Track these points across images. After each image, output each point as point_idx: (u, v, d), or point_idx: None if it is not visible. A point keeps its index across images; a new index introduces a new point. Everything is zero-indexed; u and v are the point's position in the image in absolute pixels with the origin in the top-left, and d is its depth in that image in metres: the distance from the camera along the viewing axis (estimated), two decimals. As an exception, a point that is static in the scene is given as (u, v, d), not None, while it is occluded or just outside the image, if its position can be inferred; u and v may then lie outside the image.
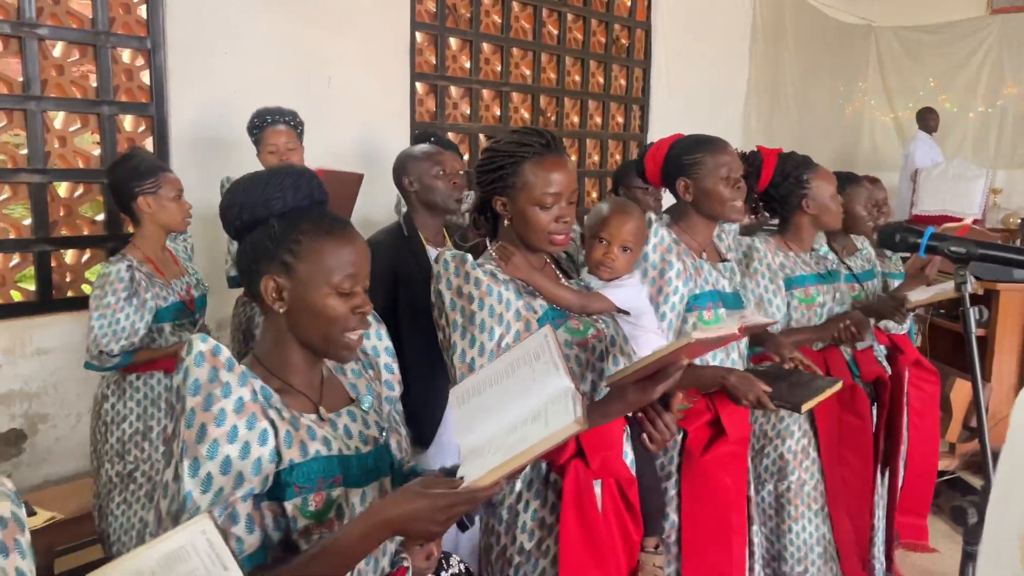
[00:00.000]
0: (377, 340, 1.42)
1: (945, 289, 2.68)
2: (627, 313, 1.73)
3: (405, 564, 1.32)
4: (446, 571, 1.62)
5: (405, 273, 2.44)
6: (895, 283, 2.97)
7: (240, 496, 1.09)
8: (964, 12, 8.04)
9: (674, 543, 1.98)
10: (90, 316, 2.39)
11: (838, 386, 2.05)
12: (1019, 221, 4.18)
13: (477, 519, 1.54)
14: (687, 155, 2.00)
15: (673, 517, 1.98)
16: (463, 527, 1.48)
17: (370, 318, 1.40)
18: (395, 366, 1.43)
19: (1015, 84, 7.84)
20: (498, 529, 1.63)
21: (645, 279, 1.89)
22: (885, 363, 2.91)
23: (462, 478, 1.09)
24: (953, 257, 1.36)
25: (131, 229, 3.28)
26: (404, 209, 2.68)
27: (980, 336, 3.94)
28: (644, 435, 1.65)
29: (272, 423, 1.14)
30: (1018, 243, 4.94)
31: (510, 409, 1.21)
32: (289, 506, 1.14)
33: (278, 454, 1.13)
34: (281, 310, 1.20)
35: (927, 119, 7.38)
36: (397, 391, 1.43)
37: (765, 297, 2.34)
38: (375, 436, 1.29)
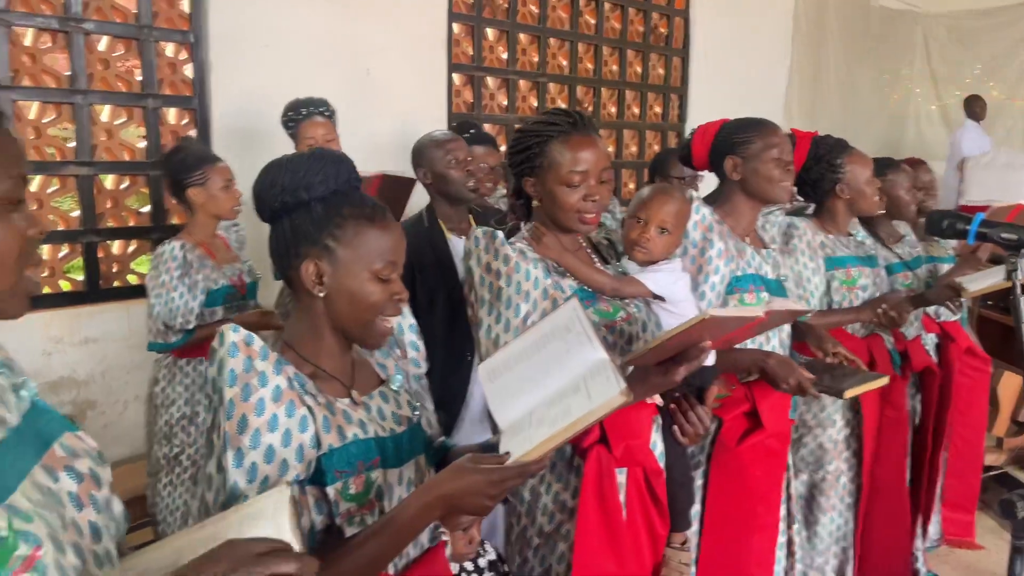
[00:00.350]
0: (402, 318, 1.42)
1: (978, 269, 2.60)
2: (662, 299, 1.70)
3: (444, 539, 1.33)
4: (483, 556, 1.62)
5: (421, 263, 2.42)
6: (945, 267, 2.90)
7: (286, 483, 1.10)
8: (1014, -4, 7.81)
9: (694, 533, 1.95)
10: (148, 297, 2.48)
11: (884, 380, 2.00)
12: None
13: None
14: (738, 134, 1.97)
15: (696, 507, 1.95)
16: (505, 500, 1.49)
17: None
18: (420, 343, 1.45)
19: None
20: (519, 510, 1.63)
21: (685, 257, 1.85)
22: (933, 353, 2.85)
23: (508, 453, 1.09)
24: (1004, 244, 1.33)
25: (177, 220, 3.38)
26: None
27: (1029, 328, 3.83)
28: (675, 427, 1.63)
29: (309, 409, 1.15)
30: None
31: (546, 382, 1.21)
32: (331, 491, 1.14)
33: (317, 439, 1.14)
34: (320, 294, 1.20)
35: (974, 107, 7.20)
36: (423, 367, 1.44)
37: (804, 275, 2.29)
38: (408, 416, 1.30)
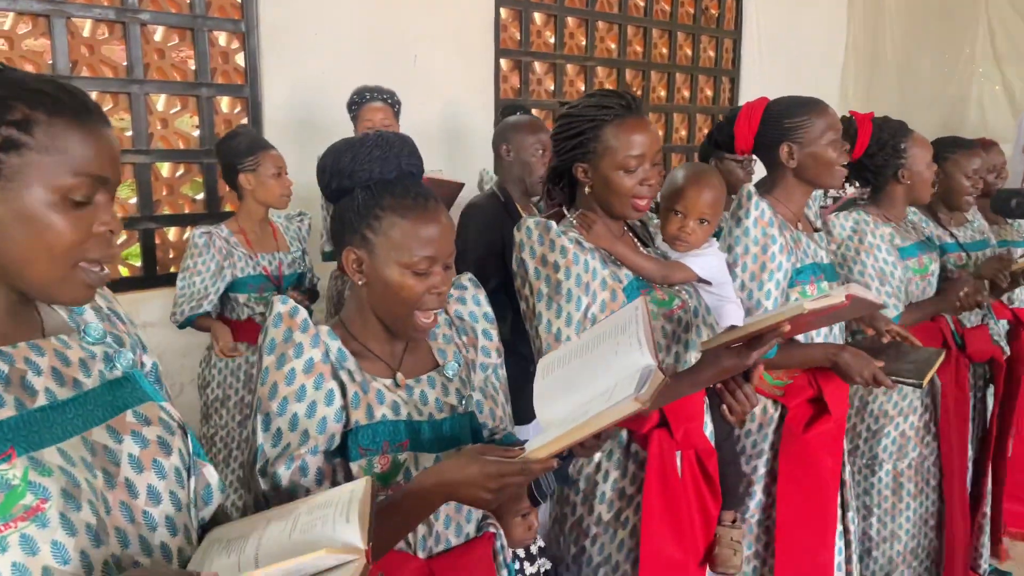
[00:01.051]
0: (475, 305, 1.41)
1: None
2: (708, 283, 1.68)
3: (492, 530, 1.32)
4: (534, 543, 1.62)
5: (503, 239, 2.39)
6: (1019, 252, 2.80)
7: (306, 452, 1.13)
8: (1086, -31, 7.46)
9: (757, 523, 1.92)
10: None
11: (944, 355, 1.96)
12: None
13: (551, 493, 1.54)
14: (790, 118, 1.88)
15: (760, 496, 1.92)
16: (536, 501, 1.48)
17: (467, 283, 1.42)
18: (494, 332, 1.41)
19: None
20: (574, 499, 1.61)
21: (747, 255, 1.81)
22: (1003, 342, 2.76)
23: (518, 448, 1.09)
24: (1076, 225, 1.27)
25: (231, 207, 3.44)
26: (488, 186, 2.64)
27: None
28: (724, 407, 1.61)
29: (342, 384, 1.17)
30: None
31: (589, 383, 1.19)
32: (355, 467, 1.17)
33: (346, 415, 1.17)
34: (360, 283, 1.22)
35: None
36: (494, 358, 1.40)
37: (886, 271, 2.22)
38: (453, 403, 1.29)
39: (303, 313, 1.19)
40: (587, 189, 1.58)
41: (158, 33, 3.25)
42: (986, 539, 2.90)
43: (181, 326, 2.62)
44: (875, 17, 6.82)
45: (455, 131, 3.98)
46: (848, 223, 2.26)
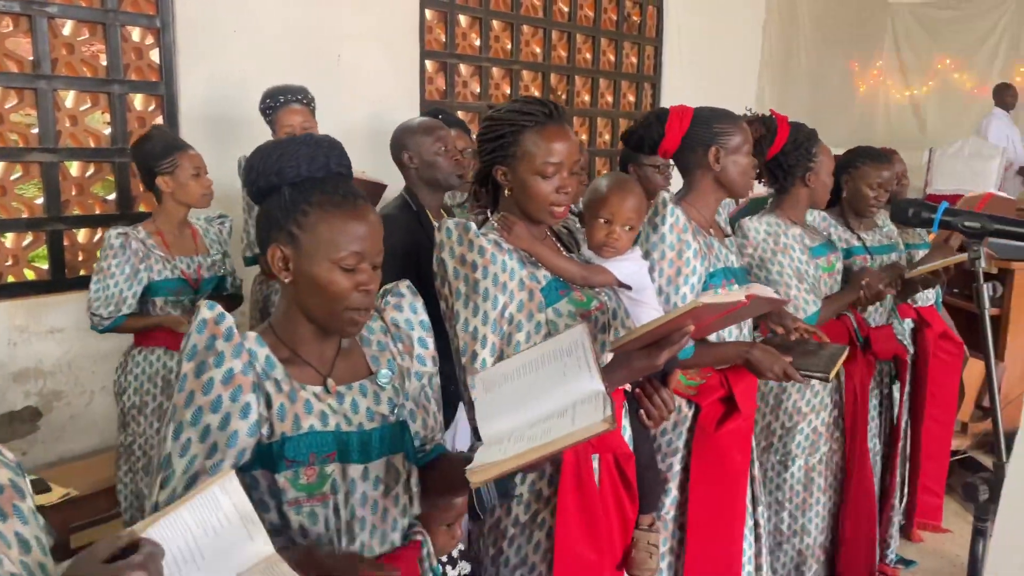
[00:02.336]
0: (412, 313, 1.40)
1: (950, 257, 2.64)
2: (628, 287, 1.71)
3: (419, 538, 1.32)
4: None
5: (424, 250, 2.39)
6: (920, 254, 2.95)
7: (209, 466, 1.11)
8: (981, -12, 7.92)
9: (672, 520, 1.96)
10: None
11: (847, 350, 2.05)
12: (1034, 199, 4.15)
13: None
14: (719, 124, 1.95)
15: (675, 493, 1.96)
16: (476, 515, 1.48)
17: (405, 290, 1.41)
18: (429, 340, 1.41)
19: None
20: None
21: (663, 260, 1.86)
22: (907, 340, 2.90)
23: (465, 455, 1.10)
24: (967, 232, 1.35)
25: (144, 208, 3.33)
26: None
27: (994, 315, 3.90)
28: (642, 411, 1.64)
29: (267, 396, 1.15)
30: (1034, 222, 4.88)
31: (536, 403, 1.21)
32: (280, 478, 1.15)
33: (271, 427, 1.15)
34: (287, 280, 1.21)
35: (1004, 95, 7.07)
36: (429, 367, 1.40)
37: (803, 269, 2.31)
38: (384, 413, 1.28)
39: (229, 320, 1.15)
40: (506, 192, 1.60)
41: (67, 27, 3.12)
42: (895, 530, 3.05)
43: (103, 331, 2.51)
44: (789, 28, 7.08)
45: (380, 132, 3.92)
46: (762, 227, 2.35)
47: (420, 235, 2.43)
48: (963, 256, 2.78)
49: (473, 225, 1.52)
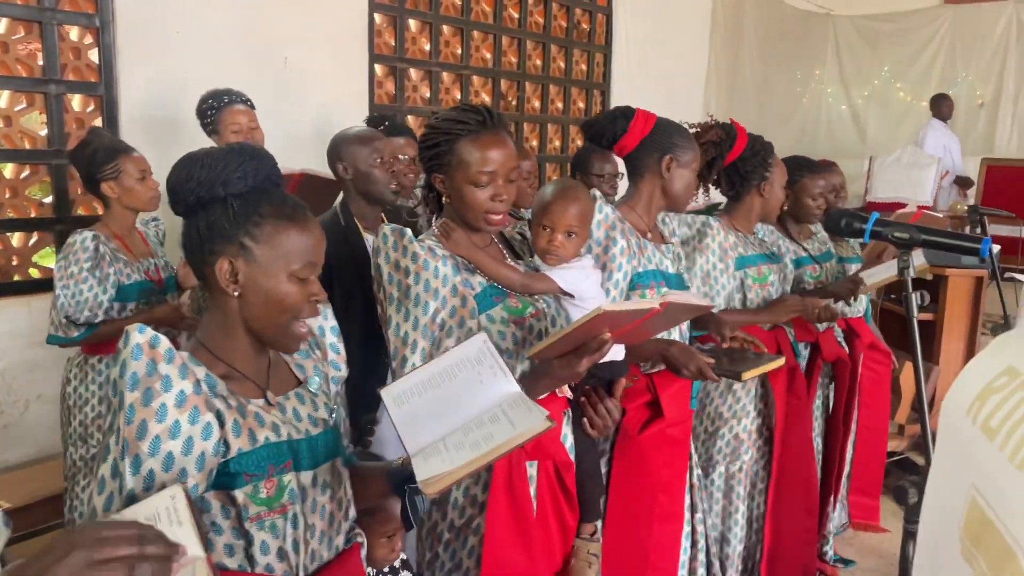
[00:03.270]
0: (323, 320, 1.40)
1: (894, 272, 2.73)
2: (571, 296, 1.72)
3: (360, 540, 1.32)
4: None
5: (338, 262, 2.34)
6: (852, 267, 3.03)
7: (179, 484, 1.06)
8: (919, 2, 8.17)
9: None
10: (55, 286, 2.37)
11: (781, 361, 2.08)
12: (965, 208, 4.30)
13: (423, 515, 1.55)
14: (678, 136, 2.01)
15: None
16: (410, 524, 1.48)
17: None
18: (341, 346, 1.42)
19: (966, 74, 8.01)
20: (430, 505, 1.63)
21: (590, 254, 1.86)
22: (845, 345, 2.97)
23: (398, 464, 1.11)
24: (897, 242, 1.39)
25: (83, 211, 3.24)
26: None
27: (929, 320, 4.03)
28: (585, 420, 1.66)
29: (218, 413, 1.12)
30: (967, 229, 5.07)
31: (460, 410, 1.24)
32: (239, 494, 1.12)
33: (226, 444, 1.11)
34: (235, 294, 1.17)
35: (940, 106, 7.20)
36: (343, 371, 1.42)
37: (712, 274, 2.34)
38: (324, 418, 1.28)
39: (165, 342, 1.10)
40: (445, 199, 1.62)
41: (1, 25, 3.03)
42: (831, 526, 3.12)
43: (73, 340, 2.41)
44: (735, 38, 7.22)
45: (328, 136, 3.90)
46: (696, 223, 2.40)
47: (340, 249, 2.38)
48: (924, 265, 2.91)
49: (409, 231, 1.53)
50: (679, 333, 2.07)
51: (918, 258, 2.90)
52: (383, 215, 2.56)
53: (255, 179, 1.18)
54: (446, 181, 1.59)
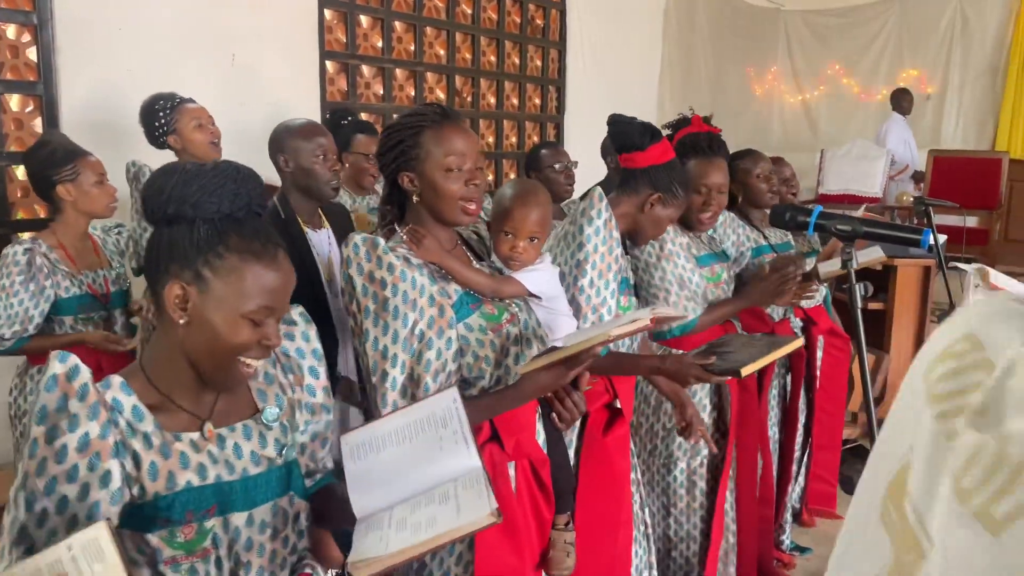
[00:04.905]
0: (303, 342, 1.33)
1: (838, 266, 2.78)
2: (539, 297, 1.72)
3: (308, 571, 1.26)
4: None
5: (293, 258, 2.30)
6: (810, 262, 3.07)
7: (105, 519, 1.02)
8: (867, -4, 8.35)
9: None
10: None
11: (795, 343, 2.08)
12: (911, 199, 4.40)
13: None
14: (679, 185, 2.02)
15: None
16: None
17: (298, 317, 1.34)
18: (321, 370, 1.34)
19: (913, 68, 8.19)
20: None
21: (596, 253, 1.86)
22: (801, 335, 3.01)
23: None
24: (840, 235, 1.41)
25: (23, 215, 3.14)
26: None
27: (879, 309, 4.11)
28: (553, 413, 1.66)
29: (134, 454, 1.06)
30: (913, 220, 5.19)
31: (413, 477, 1.20)
32: (154, 538, 1.07)
33: (141, 487, 1.06)
34: (181, 321, 1.10)
35: (901, 100, 7.31)
36: (321, 398, 1.33)
37: (685, 276, 2.34)
38: (270, 456, 1.21)
39: (84, 375, 1.04)
40: (415, 198, 1.57)
41: (-68, 22, 2.93)
42: (788, 516, 3.17)
43: (4, 352, 2.33)
44: (687, 34, 7.28)
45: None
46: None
47: (288, 246, 2.33)
48: (881, 257, 2.96)
49: (382, 241, 1.49)
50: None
51: (876, 252, 2.96)
52: (322, 212, 2.49)
53: (231, 205, 1.11)
54: (415, 178, 1.55)
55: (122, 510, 1.06)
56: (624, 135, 2.05)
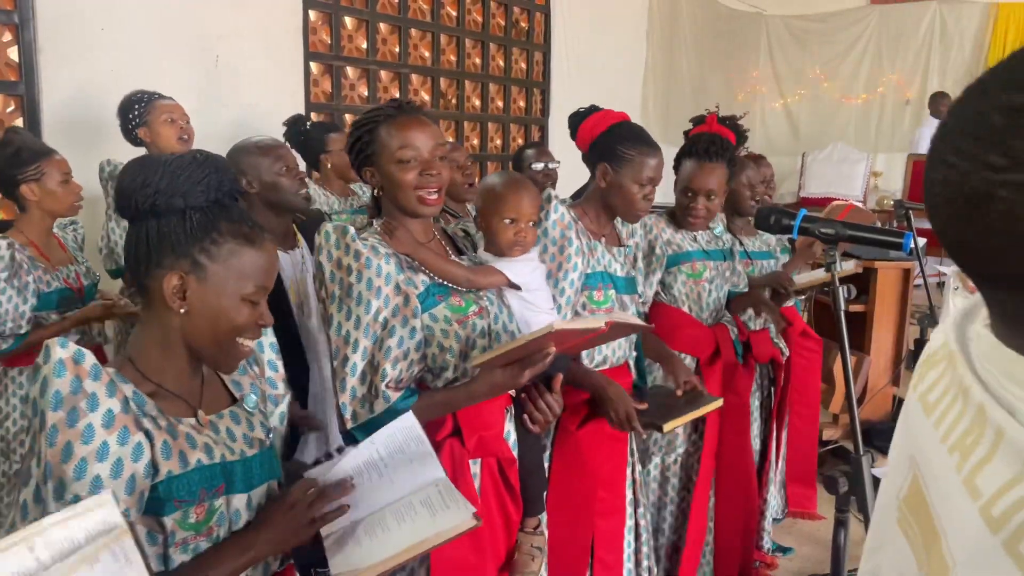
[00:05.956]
0: (263, 335, 1.36)
1: (822, 275, 2.81)
2: (518, 288, 1.73)
3: (291, 561, 1.29)
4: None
5: None
6: (784, 258, 3.10)
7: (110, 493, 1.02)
8: (847, 2, 8.43)
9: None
10: None
11: (716, 404, 2.10)
12: (892, 203, 4.46)
13: None
14: (622, 146, 1.98)
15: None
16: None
17: None
18: (279, 363, 1.40)
19: (892, 72, 8.28)
20: None
21: (545, 254, 1.88)
22: (781, 342, 3.03)
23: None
24: (823, 238, 1.43)
25: (2, 215, 3.11)
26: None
27: (860, 311, 4.15)
28: (525, 415, 1.67)
29: (147, 434, 1.07)
30: (894, 223, 5.25)
31: (383, 495, 1.25)
32: (168, 520, 1.08)
33: (155, 467, 1.07)
34: (181, 310, 1.12)
35: (939, 104, 7.22)
36: (281, 389, 1.40)
37: (653, 265, 2.37)
38: (260, 438, 1.24)
39: (91, 357, 1.03)
40: (377, 192, 1.61)
41: (-90, 20, 2.89)
42: (768, 520, 3.19)
43: (2, 353, 2.30)
44: (671, 37, 7.32)
45: (265, 135, 3.84)
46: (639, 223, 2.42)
47: None
48: (855, 268, 2.98)
49: (352, 229, 1.51)
50: (631, 345, 2.10)
51: (846, 263, 2.99)
52: (296, 229, 2.42)
53: (217, 192, 1.13)
54: (375, 172, 1.59)
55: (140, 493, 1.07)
56: (571, 127, 2.10)
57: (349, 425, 1.51)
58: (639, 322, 1.72)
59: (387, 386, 1.48)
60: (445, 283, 1.61)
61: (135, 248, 1.14)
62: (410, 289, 1.53)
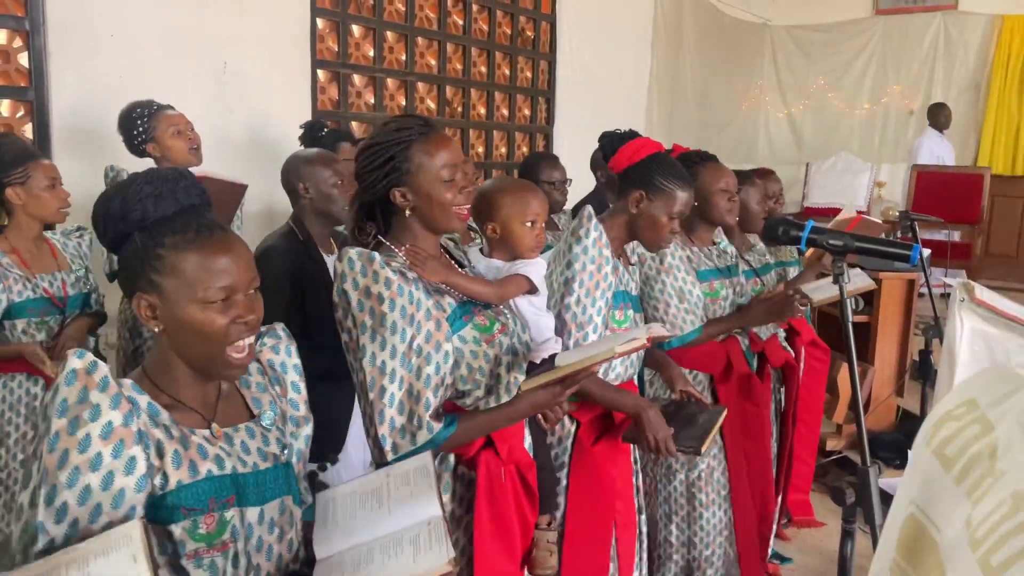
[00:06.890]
0: (287, 356, 1.37)
1: (821, 270, 2.84)
2: (537, 291, 1.74)
3: None
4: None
5: (310, 280, 2.33)
6: (792, 271, 3.09)
7: (97, 529, 1.03)
8: (852, 13, 8.44)
9: (556, 527, 2.00)
10: None
11: (723, 414, 2.11)
12: (896, 213, 4.46)
13: None
14: (661, 176, 2.00)
15: (561, 503, 1.99)
16: None
17: (281, 332, 1.38)
18: (302, 385, 1.38)
19: (897, 83, 8.29)
20: None
21: (584, 271, 1.88)
22: (789, 348, 3.03)
23: None
24: (831, 249, 1.43)
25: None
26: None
27: (864, 322, 4.15)
28: (539, 415, 1.68)
29: (158, 443, 1.09)
30: (898, 234, 5.25)
31: (377, 526, 1.25)
32: (177, 529, 1.09)
33: (164, 476, 1.08)
34: (157, 329, 1.15)
35: (938, 115, 7.23)
36: (303, 411, 1.37)
37: (685, 289, 2.34)
38: (275, 452, 1.25)
39: (103, 369, 1.06)
40: (407, 213, 1.57)
41: (-78, 26, 2.91)
42: (772, 529, 3.18)
43: None
44: (676, 47, 7.35)
45: (270, 142, 3.85)
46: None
47: (308, 264, 2.38)
48: (871, 284, 2.98)
49: (378, 256, 1.47)
50: (637, 357, 2.11)
51: (862, 279, 3.00)
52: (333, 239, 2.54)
53: (156, 208, 1.13)
54: (408, 192, 1.54)
55: (146, 500, 1.07)
56: (605, 145, 2.11)
57: (389, 457, 1.46)
58: (666, 332, 1.73)
59: (430, 416, 1.46)
60: (468, 303, 1.59)
61: (119, 278, 1.20)
62: (439, 313, 1.52)
